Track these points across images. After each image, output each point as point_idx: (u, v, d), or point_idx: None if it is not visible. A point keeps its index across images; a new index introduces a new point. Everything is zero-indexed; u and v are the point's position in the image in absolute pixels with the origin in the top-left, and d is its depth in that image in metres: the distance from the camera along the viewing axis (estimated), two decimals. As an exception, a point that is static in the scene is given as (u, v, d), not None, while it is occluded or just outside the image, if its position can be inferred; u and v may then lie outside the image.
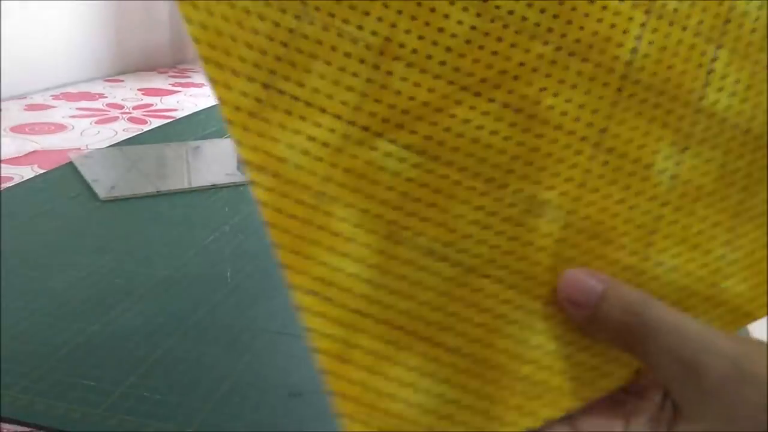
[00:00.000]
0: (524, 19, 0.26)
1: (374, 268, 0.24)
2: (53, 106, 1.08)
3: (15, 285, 0.49)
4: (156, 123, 1.01)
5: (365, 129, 0.25)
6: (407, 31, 0.26)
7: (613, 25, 0.27)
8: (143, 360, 0.41)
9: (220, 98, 0.24)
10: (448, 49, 0.26)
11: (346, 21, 0.25)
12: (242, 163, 0.24)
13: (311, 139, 0.24)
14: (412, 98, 0.25)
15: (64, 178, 0.73)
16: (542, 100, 0.26)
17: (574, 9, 0.27)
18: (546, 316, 0.25)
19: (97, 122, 1.00)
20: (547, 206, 0.25)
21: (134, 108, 1.10)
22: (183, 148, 0.86)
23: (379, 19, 0.25)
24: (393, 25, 0.25)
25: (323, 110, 0.25)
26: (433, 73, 0.25)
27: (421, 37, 0.25)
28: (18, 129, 0.94)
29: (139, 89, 1.26)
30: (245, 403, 0.37)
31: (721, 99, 0.27)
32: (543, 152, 0.26)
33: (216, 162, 0.80)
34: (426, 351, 0.24)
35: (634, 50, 0.27)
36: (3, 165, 0.78)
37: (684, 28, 0.27)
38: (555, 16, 0.26)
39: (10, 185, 0.71)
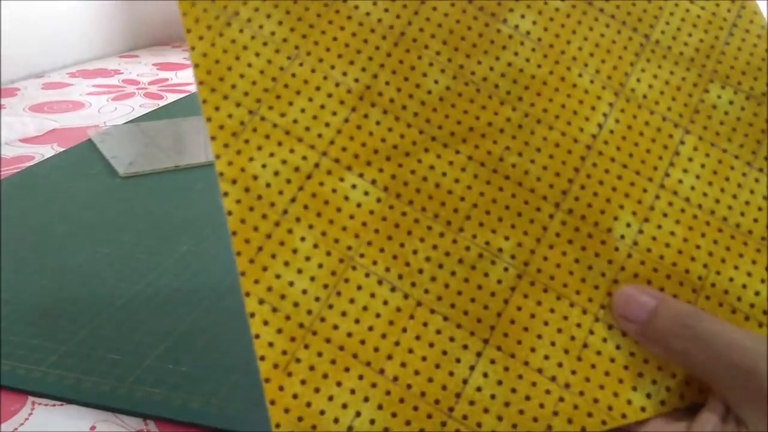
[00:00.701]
0: (496, 86, 0.29)
1: (325, 288, 0.25)
2: (70, 84, 1.08)
3: (39, 263, 0.50)
4: (172, 98, 1.01)
5: (336, 161, 0.27)
6: (387, 83, 0.29)
7: (581, 101, 0.29)
8: (168, 334, 0.42)
9: (207, 117, 0.27)
10: (423, 103, 0.28)
11: (332, 67, 0.28)
12: (218, 176, 0.26)
13: (284, 162, 0.27)
14: (383, 140, 0.28)
15: (84, 155, 0.74)
16: (506, 158, 0.28)
17: (545, 83, 0.29)
18: (491, 358, 0.25)
19: (113, 99, 1.00)
20: (503, 254, 0.27)
21: (150, 83, 1.10)
22: (200, 122, 0.86)
23: (363, 69, 0.29)
24: (375, 76, 0.29)
25: (300, 139, 0.27)
26: (405, 122, 0.28)
27: (398, 90, 0.28)
28: (37, 108, 0.94)
29: (154, 64, 1.26)
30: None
31: (685, 180, 0.29)
32: (501, 204, 0.27)
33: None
34: (365, 374, 0.24)
35: (600, 125, 0.29)
36: (23, 144, 0.79)
37: (652, 112, 0.30)
38: (526, 88, 0.29)
39: (31, 164, 0.72)
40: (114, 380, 0.37)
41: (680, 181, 0.29)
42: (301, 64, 0.28)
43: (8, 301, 0.45)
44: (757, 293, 0.27)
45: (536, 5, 0.31)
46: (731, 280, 0.27)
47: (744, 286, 0.27)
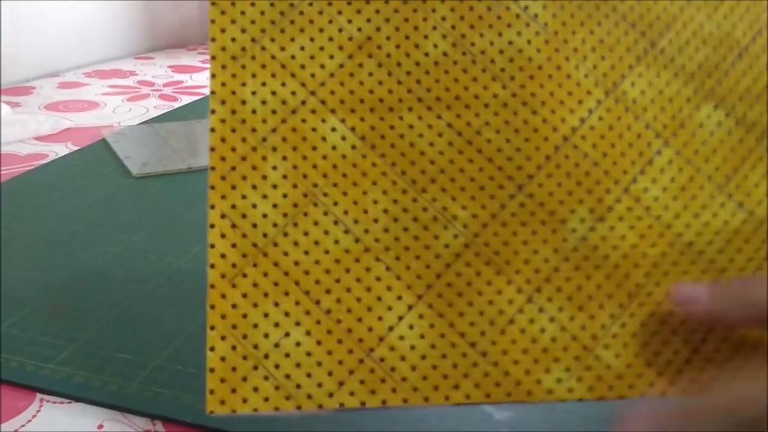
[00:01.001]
0: (492, 61, 0.30)
1: (285, 217, 0.27)
2: (86, 84, 1.09)
3: (50, 260, 0.50)
4: (186, 100, 1.02)
5: (322, 102, 0.28)
6: (388, 38, 0.29)
7: (570, 93, 0.30)
8: (177, 334, 0.41)
9: (212, 37, 0.29)
10: (417, 64, 0.29)
11: (339, 12, 0.29)
12: (210, 94, 0.28)
13: (273, 93, 0.28)
14: (371, 92, 0.29)
15: (98, 154, 0.74)
16: (484, 132, 0.29)
17: (540, 68, 0.30)
18: (420, 313, 0.27)
19: (128, 99, 1.00)
20: (456, 222, 0.28)
21: (165, 85, 1.11)
22: (213, 124, 0.86)
23: (368, 20, 0.29)
24: (378, 29, 0.29)
25: (293, 75, 0.28)
26: (396, 78, 0.29)
27: (397, 46, 0.29)
28: (52, 107, 0.95)
29: (169, 66, 1.27)
30: (278, 377, 0.38)
31: (651, 189, 0.29)
32: (468, 175, 0.28)
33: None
34: (302, 301, 0.26)
35: (582, 120, 0.30)
36: (38, 142, 0.79)
37: (636, 118, 0.30)
38: (521, 69, 0.30)
39: (45, 162, 0.72)
40: (122, 379, 0.37)
41: (646, 190, 0.29)
42: (310, 4, 0.29)
43: (18, 298, 0.45)
44: None
45: None
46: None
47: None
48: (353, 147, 0.28)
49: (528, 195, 0.28)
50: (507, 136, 0.29)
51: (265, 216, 0.27)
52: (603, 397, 0.27)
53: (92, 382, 0.37)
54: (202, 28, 1.66)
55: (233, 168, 0.27)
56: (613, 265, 0.28)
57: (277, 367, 0.26)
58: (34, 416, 0.35)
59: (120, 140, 0.78)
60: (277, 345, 0.26)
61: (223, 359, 0.26)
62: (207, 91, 1.07)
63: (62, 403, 0.36)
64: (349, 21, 0.29)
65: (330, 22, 0.29)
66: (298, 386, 0.26)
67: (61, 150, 0.76)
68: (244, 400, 0.25)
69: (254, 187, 0.27)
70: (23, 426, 0.34)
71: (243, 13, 0.29)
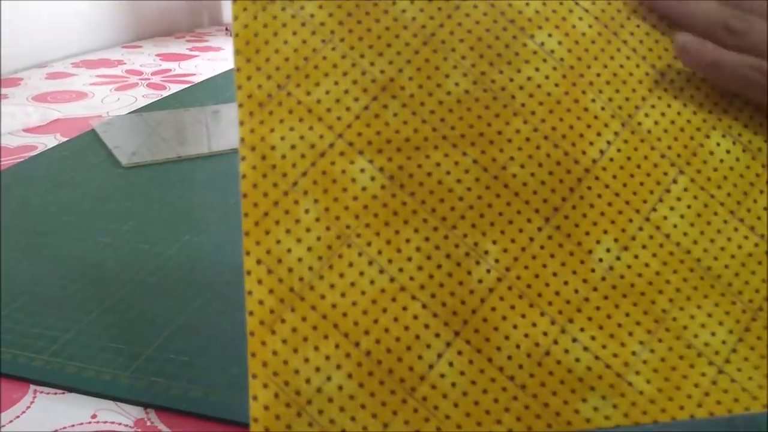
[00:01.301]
0: (513, 97, 0.31)
1: (320, 260, 0.27)
2: (74, 74, 1.08)
3: (41, 252, 0.50)
4: (175, 88, 1.01)
5: (350, 144, 0.29)
6: (410, 78, 0.30)
7: (589, 126, 0.31)
8: (169, 323, 0.42)
9: (239, 84, 0.29)
10: (440, 102, 0.30)
11: (362, 55, 0.30)
12: (239, 142, 0.28)
13: (302, 138, 0.29)
14: (397, 132, 0.29)
15: (87, 145, 0.74)
16: (509, 167, 0.30)
17: (558, 102, 0.31)
18: (459, 350, 0.27)
19: (116, 89, 1.00)
20: (488, 256, 0.28)
21: (153, 74, 1.10)
22: (202, 112, 0.86)
23: (390, 62, 0.30)
24: (400, 70, 0.30)
25: (320, 119, 0.29)
26: (421, 117, 0.30)
27: (420, 86, 0.30)
28: (40, 98, 0.95)
29: (157, 55, 1.26)
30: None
31: (670, 217, 0.30)
32: (496, 210, 0.29)
33: (235, 126, 0.80)
34: (341, 344, 0.26)
35: (602, 152, 0.30)
36: (26, 134, 0.79)
37: (652, 148, 0.31)
38: (540, 104, 0.31)
39: (34, 153, 0.72)
40: (115, 369, 0.38)
41: (665, 218, 0.30)
42: (333, 49, 0.30)
43: (10, 290, 0.45)
44: (713, 333, 0.29)
45: (564, 27, 0.32)
46: (692, 317, 0.29)
47: (702, 326, 0.29)
48: (383, 187, 0.28)
49: (555, 227, 0.29)
50: (531, 170, 0.30)
51: (300, 260, 0.27)
52: (638, 422, 0.27)
53: (85, 373, 0.37)
54: (190, 15, 1.65)
55: (266, 213, 0.27)
56: (639, 293, 0.29)
57: (320, 412, 0.25)
58: (28, 407, 0.35)
59: (109, 130, 0.78)
60: (319, 390, 0.25)
61: (266, 408, 0.25)
62: (196, 79, 1.07)
63: (56, 393, 0.36)
64: (372, 63, 0.30)
65: (353, 65, 0.30)
66: (343, 431, 0.25)
67: (50, 141, 0.76)
68: None
69: (288, 231, 0.27)
70: (17, 417, 0.35)
71: (268, 60, 0.30)
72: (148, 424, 0.34)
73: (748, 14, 0.32)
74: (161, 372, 0.37)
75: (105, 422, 0.34)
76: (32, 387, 0.37)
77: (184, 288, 0.46)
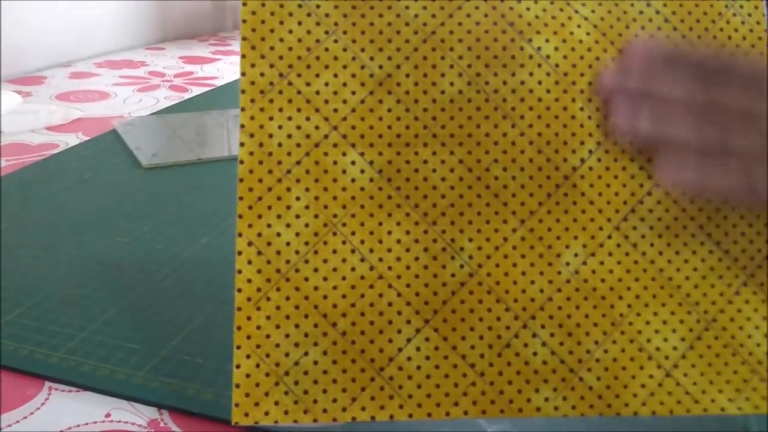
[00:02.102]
0: (504, 100, 0.32)
1: (306, 245, 0.29)
2: (97, 74, 1.09)
3: (60, 249, 0.51)
4: (197, 91, 1.02)
5: (344, 136, 0.30)
6: (407, 75, 0.31)
7: (573, 134, 0.32)
8: (184, 325, 0.42)
9: (243, 71, 0.30)
10: (434, 101, 0.31)
11: (362, 49, 0.31)
12: (240, 128, 0.30)
13: (298, 127, 0.30)
14: (390, 127, 0.31)
15: (108, 145, 0.75)
16: (492, 169, 0.31)
17: (548, 108, 0.32)
18: (426, 336, 0.29)
19: (139, 90, 1.01)
20: (463, 253, 0.30)
21: (175, 76, 1.11)
22: (223, 116, 0.86)
23: (389, 58, 0.31)
24: (398, 66, 0.31)
25: (317, 110, 0.30)
26: (414, 114, 0.31)
27: (416, 84, 0.31)
28: (63, 97, 0.95)
29: (180, 57, 1.27)
30: (283, 369, 0.38)
31: (639, 227, 0.32)
32: (475, 210, 0.31)
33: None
34: (320, 324, 0.29)
35: (582, 160, 0.32)
36: (49, 132, 0.80)
37: (632, 160, 0.32)
38: (530, 108, 0.32)
39: (56, 152, 0.72)
40: (130, 369, 0.38)
41: (634, 228, 0.32)
42: (335, 41, 0.31)
43: (28, 287, 0.45)
44: (665, 339, 0.31)
45: (562, 33, 0.33)
46: (648, 323, 0.31)
47: (657, 331, 0.31)
48: (371, 180, 0.30)
49: (529, 230, 0.31)
50: (513, 173, 0.31)
51: (288, 244, 0.29)
52: (584, 413, 0.30)
53: (100, 371, 0.37)
54: (214, 18, 1.66)
55: (260, 198, 0.29)
56: (599, 297, 0.31)
57: (296, 383, 0.28)
58: (43, 404, 0.36)
59: (130, 131, 0.79)
60: (296, 363, 0.28)
61: (247, 376, 0.28)
62: (218, 82, 1.08)
63: (70, 391, 0.37)
64: (371, 58, 0.31)
65: (353, 59, 0.31)
66: (315, 401, 0.28)
67: (71, 140, 0.77)
68: (266, 413, 0.28)
69: (279, 216, 0.29)
70: (32, 413, 0.35)
71: (272, 48, 0.31)
72: (162, 425, 0.34)
73: (728, 120, 0.30)
74: (176, 373, 0.37)
75: (119, 421, 0.35)
76: (47, 384, 0.37)
77: (200, 290, 0.46)
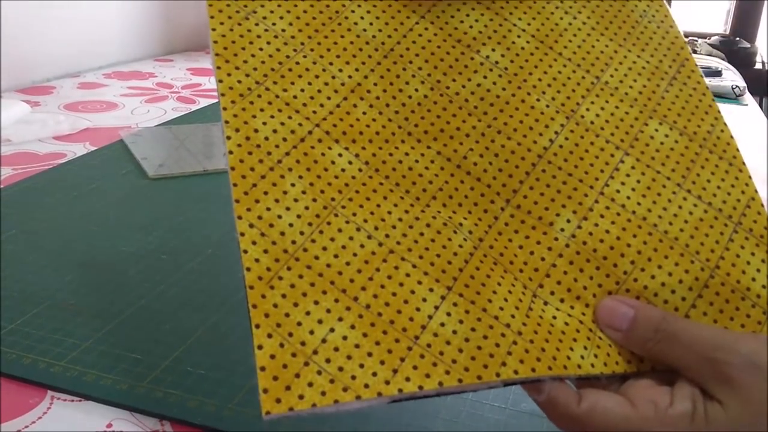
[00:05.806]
0: (466, 100, 0.35)
1: (310, 226, 0.28)
2: (105, 85, 1.10)
3: (65, 258, 0.51)
4: (204, 103, 1.02)
5: (327, 133, 0.31)
6: (375, 84, 0.34)
7: (537, 120, 0.35)
8: (188, 335, 0.42)
9: (219, 79, 0.31)
10: (403, 104, 0.34)
11: (331, 63, 0.34)
12: (224, 124, 0.30)
13: (282, 124, 0.31)
14: (368, 126, 0.32)
15: (115, 155, 0.75)
16: (469, 157, 0.33)
17: (507, 103, 0.35)
18: (454, 302, 0.28)
19: (147, 101, 1.01)
20: (462, 228, 0.31)
21: (183, 87, 1.12)
22: (230, 127, 0.86)
23: (356, 70, 0.34)
24: (365, 77, 0.34)
25: (297, 111, 0.32)
26: (387, 116, 0.33)
27: (384, 90, 0.34)
28: (71, 107, 0.96)
29: (188, 69, 1.27)
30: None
31: (622, 190, 0.33)
32: (461, 194, 0.32)
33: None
34: (340, 299, 0.27)
35: (551, 140, 0.34)
36: (57, 142, 0.80)
37: (597, 135, 0.35)
38: (491, 105, 0.35)
39: (63, 161, 0.73)
40: (132, 379, 0.38)
41: (618, 191, 0.33)
42: (304, 56, 0.33)
43: (33, 295, 0.45)
44: (673, 291, 0.31)
45: (505, 43, 0.37)
46: (653, 277, 0.31)
47: (663, 284, 0.31)
48: (360, 170, 0.31)
49: (515, 207, 0.32)
50: (489, 159, 0.33)
51: (291, 225, 0.28)
52: (614, 372, 0.29)
53: (102, 381, 0.37)
54: (222, 31, 1.66)
55: (254, 185, 0.29)
56: (601, 257, 0.32)
57: (328, 361, 0.25)
58: (45, 413, 0.35)
59: (137, 141, 0.79)
60: (324, 340, 0.26)
61: (272, 357, 0.25)
62: (224, 95, 1.08)
63: (72, 401, 0.37)
64: (340, 70, 0.33)
65: (324, 70, 0.33)
66: (353, 377, 0.25)
67: (79, 150, 0.77)
68: (301, 397, 0.24)
69: (277, 200, 0.29)
70: (33, 423, 0.35)
71: (245, 62, 0.32)
72: (163, 436, 0.34)
73: None
74: (178, 384, 0.37)
75: (120, 432, 0.34)
76: (49, 393, 0.37)
77: (204, 301, 0.46)
